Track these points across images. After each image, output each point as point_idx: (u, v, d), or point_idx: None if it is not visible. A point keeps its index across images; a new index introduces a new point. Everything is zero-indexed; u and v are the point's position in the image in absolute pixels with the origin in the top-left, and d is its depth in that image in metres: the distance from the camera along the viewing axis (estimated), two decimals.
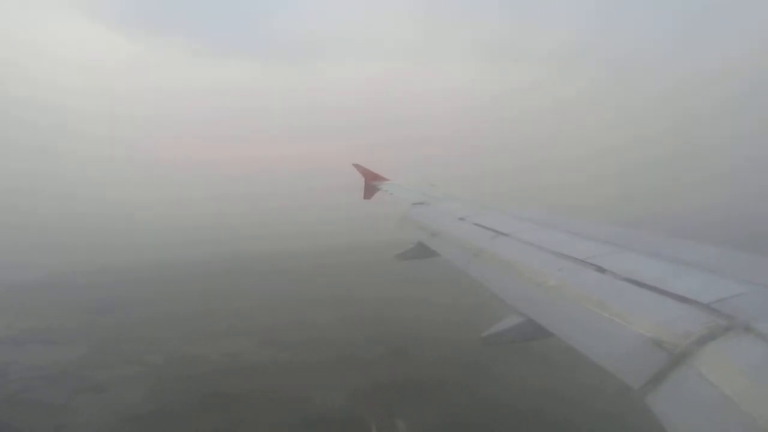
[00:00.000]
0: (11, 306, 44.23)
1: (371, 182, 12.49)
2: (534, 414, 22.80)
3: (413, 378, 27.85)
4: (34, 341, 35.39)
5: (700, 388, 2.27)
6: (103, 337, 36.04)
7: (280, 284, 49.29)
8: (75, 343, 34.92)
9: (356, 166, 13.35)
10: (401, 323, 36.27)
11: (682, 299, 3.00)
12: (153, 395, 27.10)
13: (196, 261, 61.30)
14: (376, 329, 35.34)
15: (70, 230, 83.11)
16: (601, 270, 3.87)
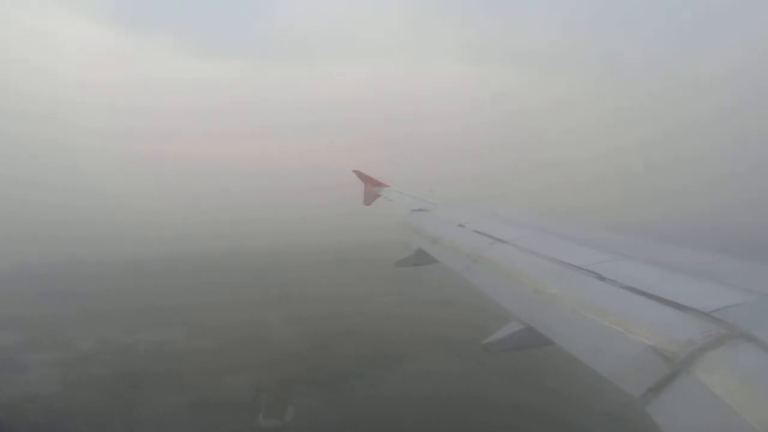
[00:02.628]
0: None
1: (371, 188, 12.50)
2: (424, 411, 24.09)
3: (323, 372, 29.38)
4: None
5: (701, 397, 2.26)
6: (47, 324, 37.41)
7: (250, 283, 50.25)
8: (17, 329, 36.22)
9: (356, 172, 13.37)
10: (345, 322, 37.53)
11: (683, 307, 2.99)
12: (66, 378, 28.87)
13: (170, 258, 62.16)
14: (317, 327, 36.58)
15: (46, 222, 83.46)
16: (601, 278, 3.87)
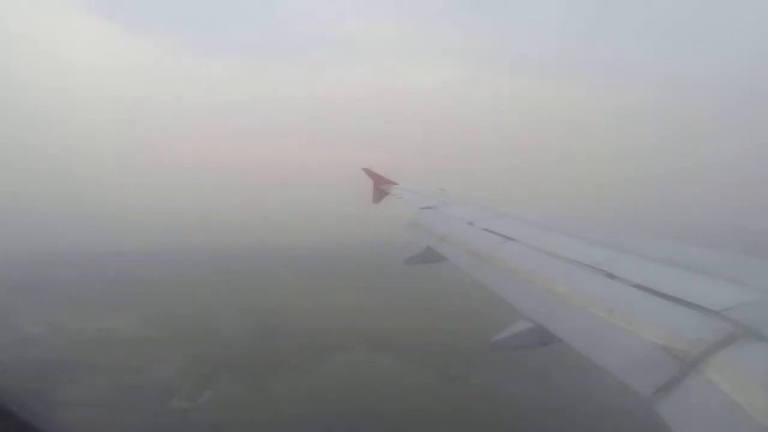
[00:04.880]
0: None
1: (380, 186, 12.49)
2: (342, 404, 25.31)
3: (255, 360, 30.79)
4: None
5: (711, 396, 2.26)
6: (5, 311, 38.74)
7: (239, 278, 51.00)
8: None
9: (366, 170, 13.36)
10: (310, 316, 38.24)
11: (693, 306, 2.98)
12: (2, 359, 30.21)
13: (164, 251, 63.28)
14: (270, 319, 37.39)
15: (34, 214, 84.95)
16: (610, 276, 3.85)
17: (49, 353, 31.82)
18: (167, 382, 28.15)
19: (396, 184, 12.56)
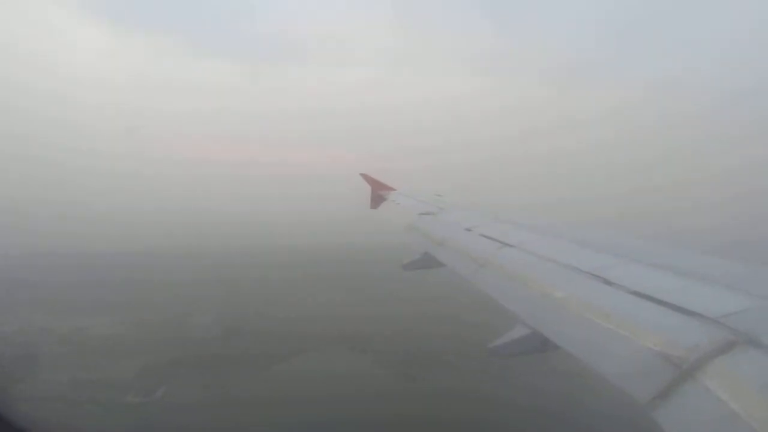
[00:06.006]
0: None
1: (378, 192, 12.50)
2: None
3: (220, 360, 31.51)
4: None
5: (708, 403, 2.26)
6: None
7: (227, 280, 51.09)
8: None
9: (364, 175, 13.38)
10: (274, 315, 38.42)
11: (690, 313, 2.98)
12: None
13: (156, 253, 63.45)
14: (249, 321, 37.86)
15: (27, 215, 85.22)
16: (608, 282, 3.86)
17: (14, 350, 32.35)
18: (127, 379, 28.95)
19: (394, 189, 12.58)
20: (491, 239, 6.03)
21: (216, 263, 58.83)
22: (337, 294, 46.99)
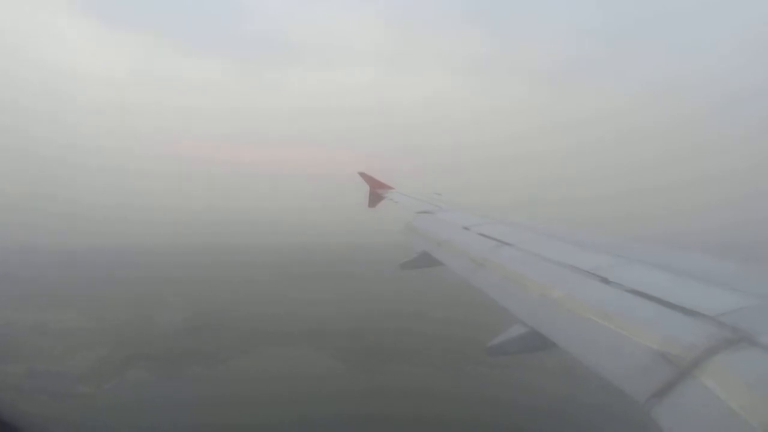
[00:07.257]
0: None
1: (376, 191, 12.50)
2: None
3: (182, 353, 32.01)
4: None
5: (706, 402, 2.26)
6: None
7: (217, 279, 50.94)
8: None
9: (362, 174, 13.38)
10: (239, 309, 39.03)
11: (688, 312, 2.98)
12: None
13: (148, 249, 63.37)
14: (225, 317, 38.26)
15: (15, 210, 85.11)
16: (606, 281, 3.86)
17: None
18: (81, 370, 29.47)
19: (392, 188, 12.57)
20: (489, 238, 6.03)
21: (207, 261, 58.43)
22: (331, 292, 46.68)
